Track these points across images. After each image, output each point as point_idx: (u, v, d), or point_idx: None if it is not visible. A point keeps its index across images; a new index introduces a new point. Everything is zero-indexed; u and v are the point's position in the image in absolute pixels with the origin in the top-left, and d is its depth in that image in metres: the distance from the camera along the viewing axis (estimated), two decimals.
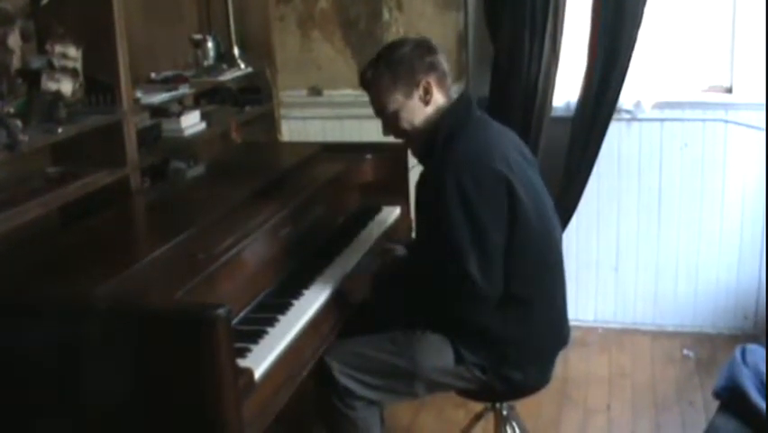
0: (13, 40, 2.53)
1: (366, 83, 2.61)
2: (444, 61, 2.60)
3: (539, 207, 2.54)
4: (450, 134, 2.50)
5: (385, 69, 2.56)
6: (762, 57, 3.65)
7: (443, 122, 2.54)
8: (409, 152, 2.77)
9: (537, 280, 2.55)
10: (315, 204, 2.92)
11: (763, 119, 3.75)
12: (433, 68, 2.56)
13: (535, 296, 2.54)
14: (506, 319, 2.50)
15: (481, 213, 2.40)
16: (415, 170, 3.46)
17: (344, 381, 2.50)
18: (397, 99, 2.55)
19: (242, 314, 2.39)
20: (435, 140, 2.52)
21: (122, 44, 2.82)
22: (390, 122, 2.60)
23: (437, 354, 2.53)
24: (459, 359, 2.53)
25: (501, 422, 2.83)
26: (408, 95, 2.54)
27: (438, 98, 2.57)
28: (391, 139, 3.52)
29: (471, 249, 2.38)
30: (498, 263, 2.43)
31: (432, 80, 2.55)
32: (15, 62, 2.56)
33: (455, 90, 2.74)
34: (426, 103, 2.55)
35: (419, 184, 2.56)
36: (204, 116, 3.50)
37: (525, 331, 2.53)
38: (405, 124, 2.57)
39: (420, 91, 2.54)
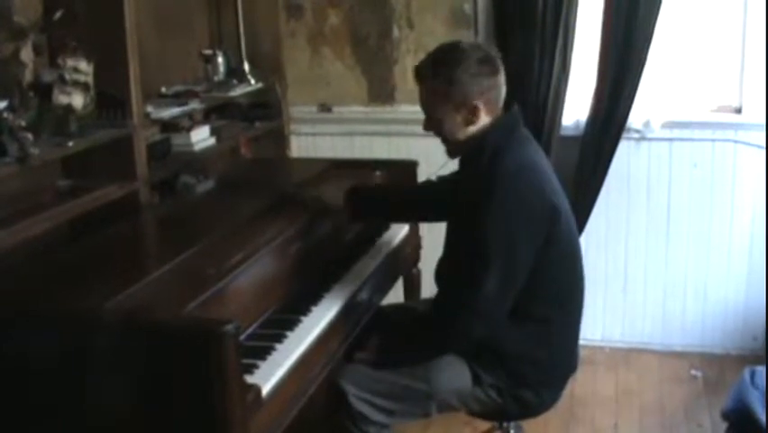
0: (26, 53, 2.55)
1: (420, 78, 2.54)
2: (503, 81, 2.54)
3: (572, 230, 2.56)
4: (497, 150, 2.47)
5: (443, 82, 2.48)
6: None
7: (489, 137, 2.50)
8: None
9: (560, 303, 2.55)
10: (324, 220, 2.92)
11: None
12: (489, 89, 2.50)
13: (555, 318, 2.54)
14: (523, 337, 2.50)
15: (519, 230, 2.39)
16: None
17: (359, 406, 2.48)
18: (445, 111, 2.50)
19: (250, 330, 2.38)
20: (481, 152, 2.48)
21: (133, 59, 2.84)
22: (432, 122, 2.57)
23: (454, 375, 2.52)
24: (476, 381, 2.53)
25: None
26: (457, 110, 2.49)
27: (483, 120, 2.51)
28: (401, 156, 3.55)
29: (496, 260, 2.37)
30: (515, 286, 2.42)
31: (482, 104, 2.48)
32: (27, 76, 2.57)
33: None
34: (468, 123, 2.50)
35: (454, 192, 2.58)
36: (214, 131, 3.51)
37: (542, 351, 2.53)
38: (446, 130, 2.54)
39: (465, 113, 2.49)
